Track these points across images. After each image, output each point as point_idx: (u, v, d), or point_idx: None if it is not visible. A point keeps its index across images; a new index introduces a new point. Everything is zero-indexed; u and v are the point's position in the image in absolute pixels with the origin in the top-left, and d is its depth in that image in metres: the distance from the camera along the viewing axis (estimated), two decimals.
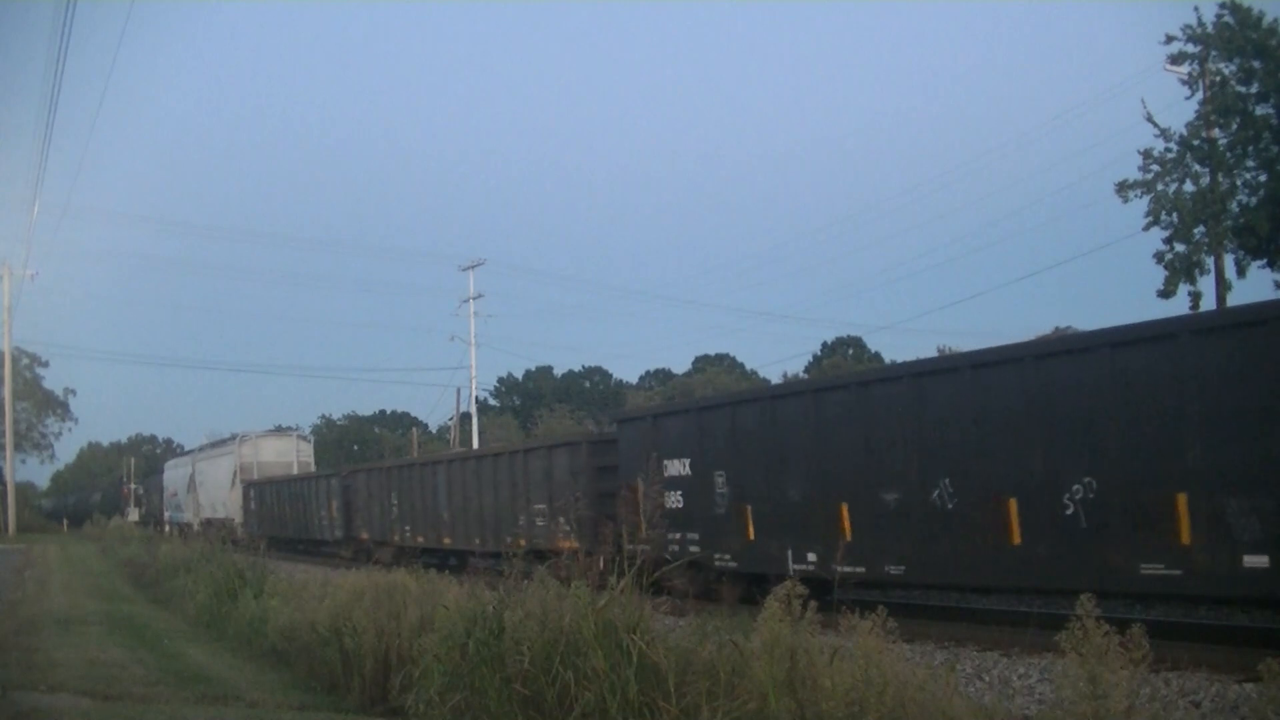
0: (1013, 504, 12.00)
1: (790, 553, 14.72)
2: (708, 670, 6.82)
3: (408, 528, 27.59)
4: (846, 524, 13.98)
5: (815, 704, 6.07)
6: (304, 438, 50.21)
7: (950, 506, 12.73)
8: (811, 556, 14.50)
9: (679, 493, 16.87)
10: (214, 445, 51.22)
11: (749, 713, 6.30)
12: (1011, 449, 12.07)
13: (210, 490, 49.49)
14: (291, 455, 46.50)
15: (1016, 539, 11.94)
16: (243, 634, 15.51)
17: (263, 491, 41.65)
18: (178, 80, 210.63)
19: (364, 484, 31.11)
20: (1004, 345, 13.40)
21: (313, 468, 46.10)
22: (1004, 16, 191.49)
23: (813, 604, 6.70)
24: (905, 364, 15.45)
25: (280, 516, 38.93)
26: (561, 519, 19.36)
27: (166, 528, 55.21)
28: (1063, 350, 12.14)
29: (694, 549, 16.54)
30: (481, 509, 23.21)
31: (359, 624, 11.51)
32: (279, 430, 53.13)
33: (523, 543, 19.43)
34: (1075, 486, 11.39)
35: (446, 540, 24.59)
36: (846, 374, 14.43)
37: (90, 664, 12.91)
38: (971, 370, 12.83)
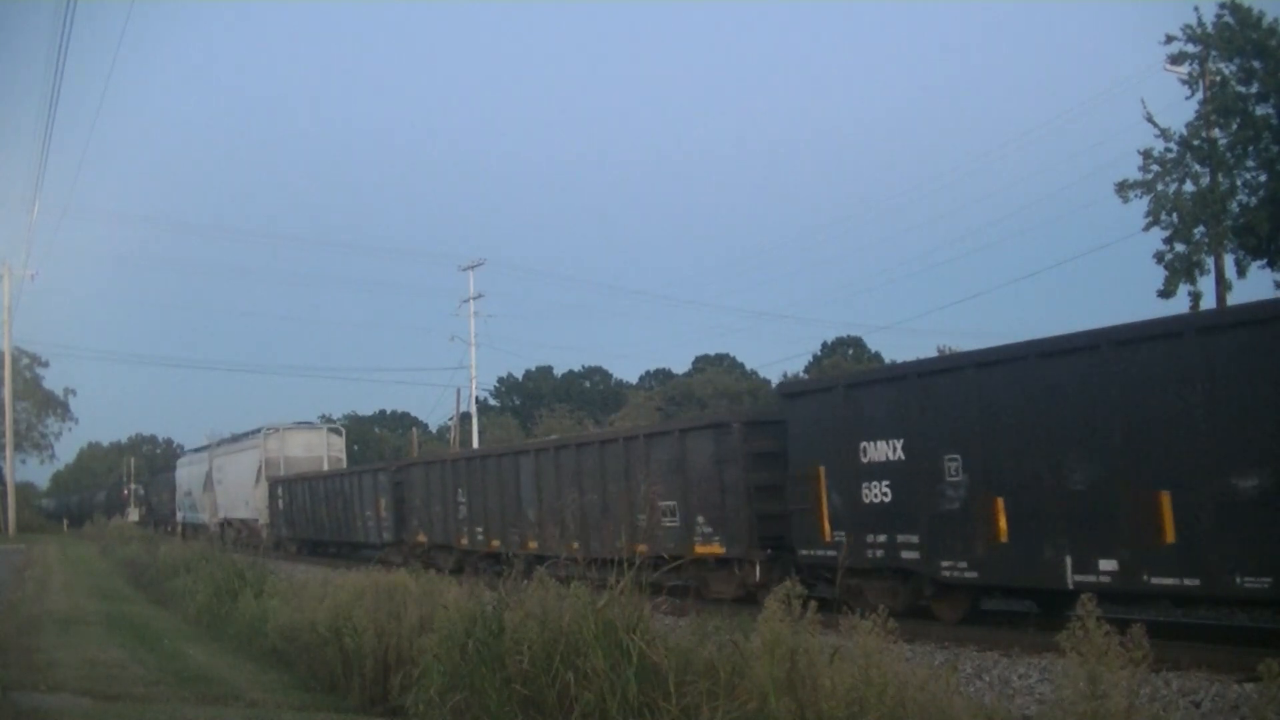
0: None
1: (1070, 559, 11.26)
2: (708, 670, 6.81)
3: (479, 530, 23.46)
4: (1168, 519, 10.58)
5: (815, 704, 6.06)
6: (335, 430, 45.96)
7: None
8: (1107, 564, 10.97)
9: (884, 483, 13.50)
10: (234, 440, 47.43)
11: (749, 713, 6.30)
12: None
13: (230, 488, 46.03)
14: (321, 449, 42.91)
15: None
16: (243, 634, 15.51)
17: (293, 489, 37.58)
18: (178, 80, 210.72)
19: (421, 479, 26.79)
20: None
21: (344, 462, 42.75)
22: (1004, 16, 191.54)
23: (813, 604, 6.70)
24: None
25: (314, 517, 35.17)
26: (700, 518, 16.33)
27: (180, 529, 52.18)
28: None
29: (909, 554, 13.17)
30: (584, 507, 19.18)
31: (359, 624, 11.52)
32: (307, 423, 48.29)
33: (642, 548, 17.28)
34: None
35: (532, 544, 20.19)
36: (1174, 317, 11.76)
37: (90, 664, 12.91)
38: None
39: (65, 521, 73.08)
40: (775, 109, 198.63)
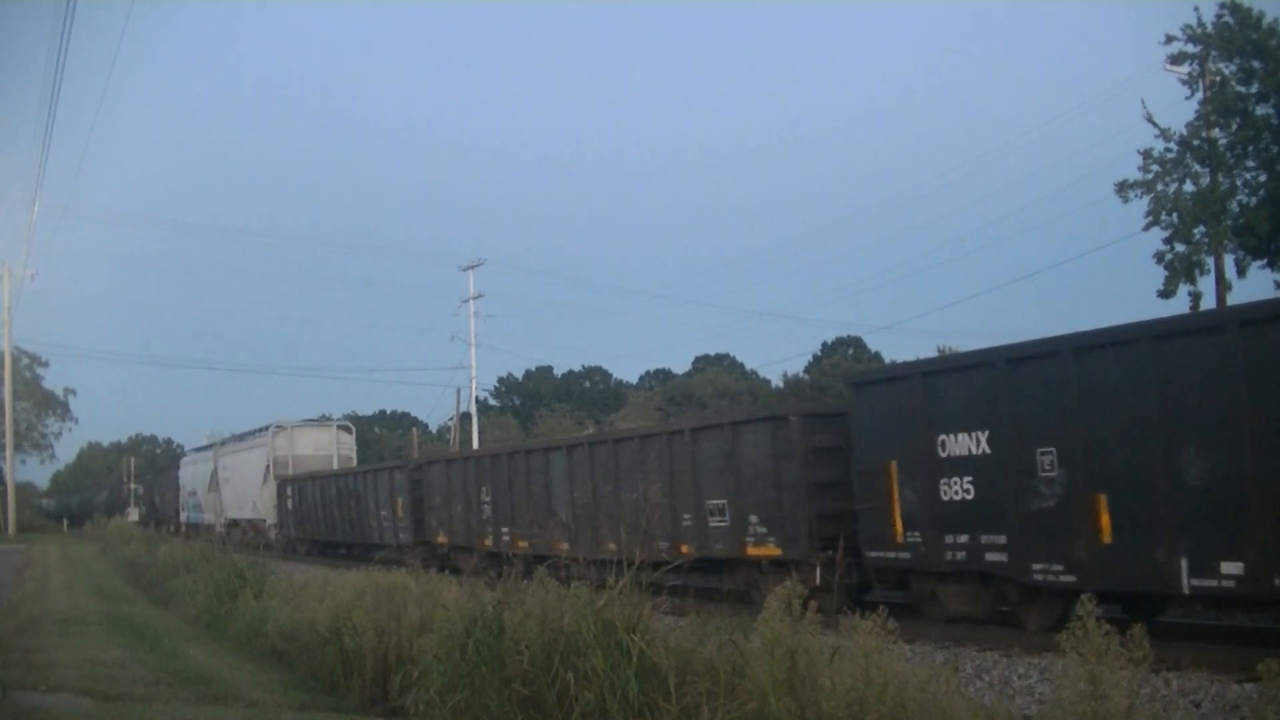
0: None
1: (1186, 562, 10.35)
2: (708, 670, 6.82)
3: (505, 530, 22.27)
4: None
5: (815, 704, 6.07)
6: (345, 428, 44.39)
7: None
8: (1230, 568, 9.97)
9: (966, 479, 12.55)
10: (240, 438, 46.19)
11: (749, 713, 6.30)
12: None
13: (237, 487, 44.70)
14: (331, 448, 41.61)
15: None
16: (243, 634, 15.51)
17: (303, 488, 36.26)
18: (177, 80, 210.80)
19: (442, 478, 25.59)
20: None
21: (354, 461, 41.63)
22: (1004, 16, 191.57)
23: (812, 604, 6.70)
24: None
25: (326, 517, 33.87)
26: (754, 518, 15.38)
27: (183, 529, 50.57)
28: None
29: (994, 556, 12.22)
30: (621, 506, 17.97)
31: (359, 624, 11.52)
32: (317, 420, 47.01)
33: (687, 549, 16.18)
34: None
35: (563, 546, 19.02)
36: None
37: (90, 664, 12.91)
38: None
39: (65, 521, 73.06)
40: (775, 109, 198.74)
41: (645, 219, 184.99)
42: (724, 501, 15.95)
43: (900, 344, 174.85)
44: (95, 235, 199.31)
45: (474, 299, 54.28)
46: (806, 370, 71.23)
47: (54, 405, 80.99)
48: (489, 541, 22.96)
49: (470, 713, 7.99)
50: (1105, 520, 11.11)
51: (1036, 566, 11.73)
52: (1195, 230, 25.85)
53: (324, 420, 47.19)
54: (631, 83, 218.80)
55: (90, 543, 47.07)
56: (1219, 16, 25.66)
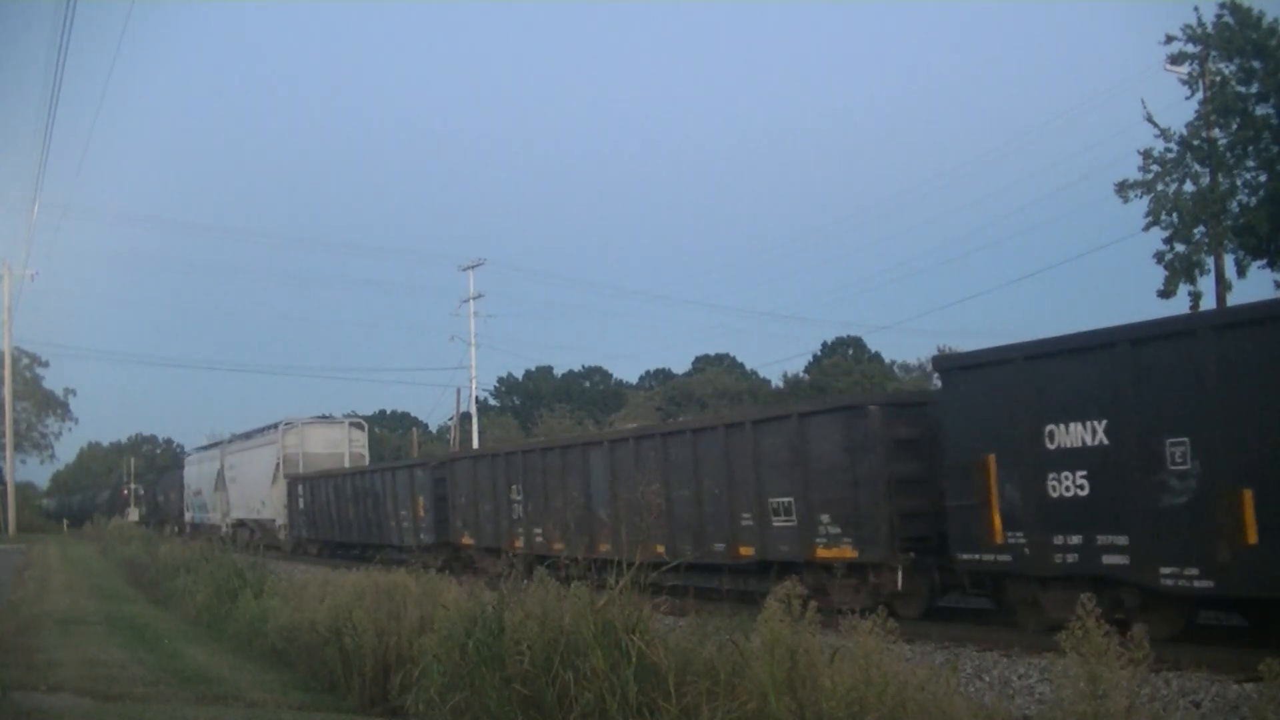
0: None
1: None
2: (708, 670, 6.82)
3: (538, 531, 20.95)
4: None
5: (815, 704, 6.07)
6: (357, 424, 43.01)
7: None
8: None
9: (1079, 473, 11.35)
10: (248, 436, 44.81)
11: (749, 713, 6.31)
12: None
13: (245, 487, 43.40)
14: (343, 446, 40.34)
15: None
16: (243, 634, 15.52)
17: (315, 487, 35.08)
18: (178, 80, 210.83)
19: (467, 476, 24.24)
20: None
21: (366, 459, 40.63)
22: (1004, 16, 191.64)
23: (812, 604, 6.70)
24: None
25: (340, 517, 32.72)
26: (825, 516, 14.19)
27: (187, 530, 49.34)
28: None
29: (1113, 559, 11.01)
30: (672, 505, 16.76)
31: (359, 624, 11.52)
32: (328, 417, 45.30)
33: (747, 551, 15.39)
34: None
35: (603, 547, 17.99)
36: None
37: (90, 664, 12.91)
38: None
39: (65, 522, 73.06)
40: (775, 109, 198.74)
41: (645, 219, 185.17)
42: (790, 499, 14.77)
43: (900, 344, 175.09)
44: (95, 235, 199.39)
45: (474, 299, 54.37)
46: (806, 370, 71.32)
47: (54, 405, 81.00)
48: (520, 543, 21.51)
49: (470, 713, 8.00)
50: (1250, 518, 9.84)
51: (1166, 571, 10.52)
52: (1195, 230, 25.86)
53: (335, 417, 45.53)
54: (632, 83, 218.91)
55: (90, 543, 47.06)
56: (1219, 16, 25.66)
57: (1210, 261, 26.40)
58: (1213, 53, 25.92)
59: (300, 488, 36.57)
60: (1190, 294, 26.16)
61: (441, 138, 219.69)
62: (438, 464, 26.92)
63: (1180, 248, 26.09)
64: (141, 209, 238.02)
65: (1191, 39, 26.07)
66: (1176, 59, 26.49)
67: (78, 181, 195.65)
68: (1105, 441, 11.15)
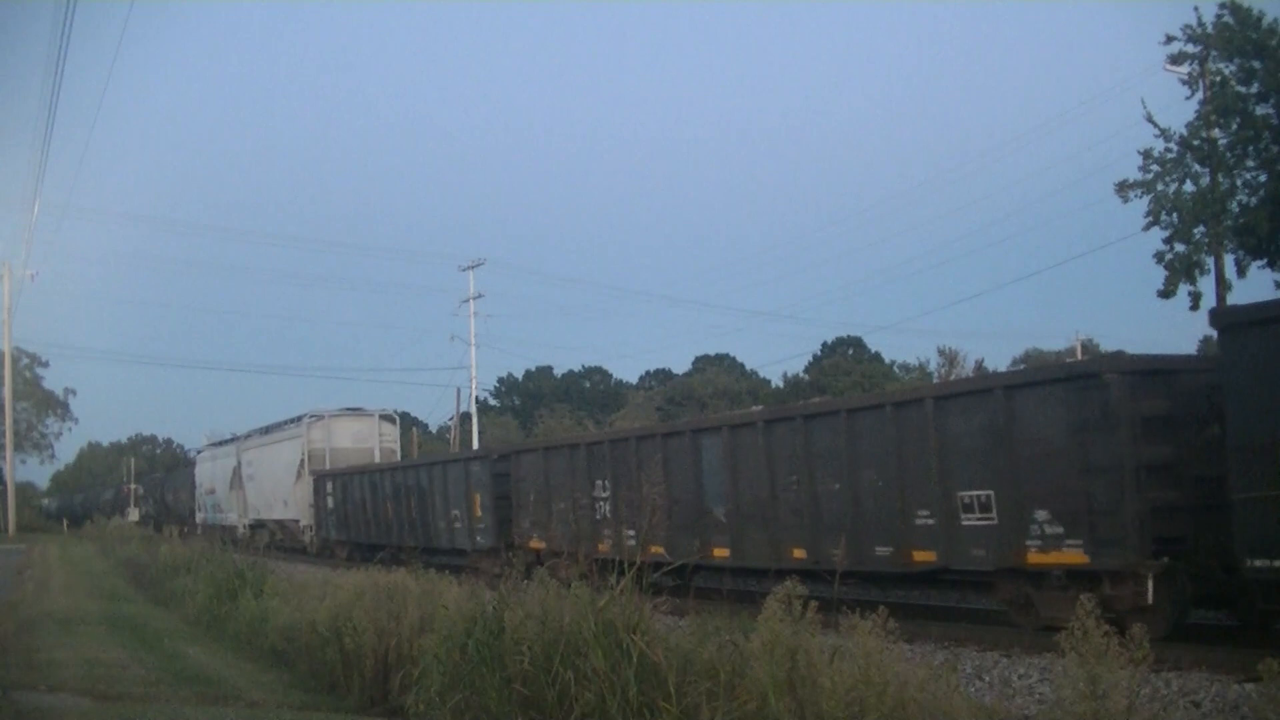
0: None
1: None
2: (708, 670, 6.82)
3: (630, 533, 17.89)
4: None
5: (815, 704, 6.07)
6: (388, 417, 39.20)
7: None
8: None
9: None
10: (268, 430, 41.63)
11: (749, 713, 6.31)
12: None
13: (265, 485, 40.04)
14: (373, 440, 37.29)
15: None
16: (243, 634, 15.53)
17: (347, 485, 31.71)
18: (178, 80, 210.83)
19: (537, 470, 21.33)
20: None
21: (397, 454, 37.69)
22: (1004, 15, 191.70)
23: (812, 604, 6.70)
24: None
25: (376, 518, 29.56)
26: (1042, 513, 11.63)
27: (199, 531, 45.72)
28: None
29: None
30: (816, 501, 14.45)
31: (359, 624, 11.52)
32: (356, 408, 40.65)
33: (925, 555, 12.98)
34: None
35: (721, 551, 16.03)
36: None
37: (90, 664, 12.92)
38: None
39: (65, 522, 73.07)
40: (776, 108, 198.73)
41: (645, 218, 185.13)
42: (989, 493, 12.26)
43: (900, 344, 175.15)
44: (95, 235, 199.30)
45: (474, 299, 54.41)
46: (806, 370, 71.43)
47: (54, 405, 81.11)
48: (606, 546, 18.45)
49: (470, 713, 8.01)
50: None
51: None
52: (1195, 230, 25.87)
53: (364, 409, 40.52)
54: (632, 82, 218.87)
55: (90, 543, 47.01)
56: (1219, 16, 25.66)
57: (1210, 261, 26.43)
58: (1213, 53, 25.93)
59: (330, 485, 33.26)
60: (1190, 294, 26.20)
61: (442, 138, 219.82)
62: (499, 456, 23.84)
63: (1180, 248, 26.10)
64: (141, 209, 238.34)
65: (1191, 39, 26.09)
66: (1176, 59, 26.51)
67: (77, 181, 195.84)
68: None
